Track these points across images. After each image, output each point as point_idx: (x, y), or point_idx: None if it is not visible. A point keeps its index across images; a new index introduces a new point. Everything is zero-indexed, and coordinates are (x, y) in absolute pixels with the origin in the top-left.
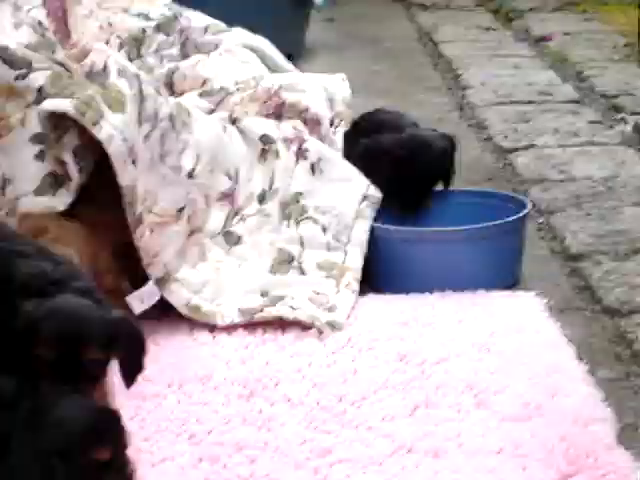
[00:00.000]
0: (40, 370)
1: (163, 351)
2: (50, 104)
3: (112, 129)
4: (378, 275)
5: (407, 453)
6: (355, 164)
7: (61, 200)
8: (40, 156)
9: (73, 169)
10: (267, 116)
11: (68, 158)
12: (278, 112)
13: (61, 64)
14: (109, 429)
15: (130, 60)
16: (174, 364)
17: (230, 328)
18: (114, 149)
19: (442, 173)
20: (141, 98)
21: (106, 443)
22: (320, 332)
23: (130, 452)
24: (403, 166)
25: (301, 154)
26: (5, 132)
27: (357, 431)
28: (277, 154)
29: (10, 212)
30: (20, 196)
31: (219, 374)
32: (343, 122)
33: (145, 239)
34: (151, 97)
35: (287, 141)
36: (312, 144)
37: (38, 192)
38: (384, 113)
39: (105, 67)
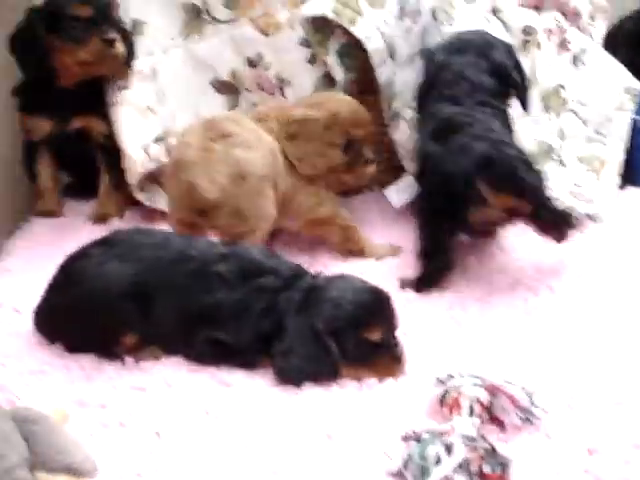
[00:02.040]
0: None
1: None
2: (309, 9)
3: (371, 26)
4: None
5: None
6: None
7: None
8: (312, 60)
9: (338, 70)
10: (527, 7)
11: (332, 60)
12: (538, 4)
13: None
14: (381, 310)
15: None
16: None
17: None
18: (373, 46)
19: None
20: None
21: (377, 324)
22: (579, 224)
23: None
24: None
25: (563, 46)
26: (273, 30)
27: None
28: (539, 45)
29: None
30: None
31: None
32: (602, 15)
33: (401, 134)
34: None
35: (549, 32)
36: (574, 35)
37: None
38: None
39: None
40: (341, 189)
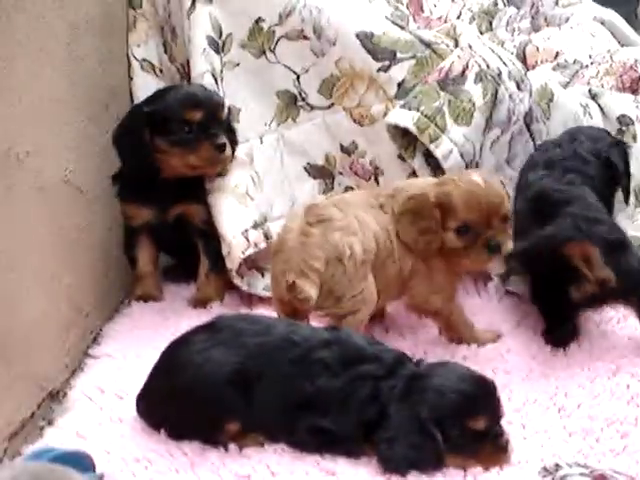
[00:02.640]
0: None
1: None
2: (394, 117)
3: (451, 144)
4: None
5: None
6: None
7: None
8: (401, 156)
9: (424, 173)
10: (623, 90)
11: (418, 163)
12: (634, 86)
13: (427, 44)
14: (485, 399)
15: (481, 33)
16: None
17: None
18: (450, 165)
19: None
20: (494, 103)
21: (482, 413)
22: None
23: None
24: None
25: None
26: (367, 121)
27: None
28: (634, 137)
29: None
30: None
31: None
32: None
33: None
34: (506, 100)
35: None
36: None
37: None
38: None
39: (463, 73)
40: (461, 272)
